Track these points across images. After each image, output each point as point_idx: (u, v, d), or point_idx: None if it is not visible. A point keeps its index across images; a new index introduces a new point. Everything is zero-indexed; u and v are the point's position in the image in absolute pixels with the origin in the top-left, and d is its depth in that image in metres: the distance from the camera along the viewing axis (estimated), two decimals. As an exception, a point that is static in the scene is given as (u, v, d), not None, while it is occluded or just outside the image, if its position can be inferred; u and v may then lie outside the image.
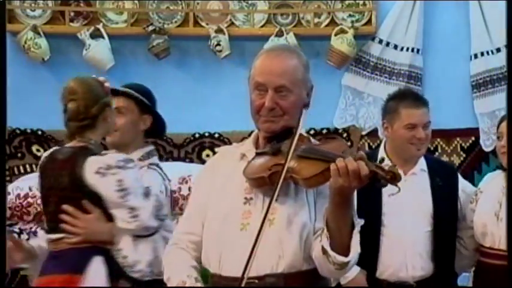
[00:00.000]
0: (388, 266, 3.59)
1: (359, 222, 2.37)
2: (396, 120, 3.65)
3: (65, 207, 3.08)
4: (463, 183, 3.80)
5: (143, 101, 3.40)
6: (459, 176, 3.84)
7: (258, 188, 2.46)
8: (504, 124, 3.59)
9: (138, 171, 3.18)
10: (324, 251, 2.33)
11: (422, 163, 3.71)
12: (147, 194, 3.15)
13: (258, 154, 2.52)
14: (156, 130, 3.47)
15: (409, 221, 3.60)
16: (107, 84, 3.22)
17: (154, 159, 3.44)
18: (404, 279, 3.59)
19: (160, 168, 3.41)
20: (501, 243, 3.50)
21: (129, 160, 3.14)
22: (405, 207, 3.59)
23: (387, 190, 3.53)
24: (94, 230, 3.08)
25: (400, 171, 3.55)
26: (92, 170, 3.05)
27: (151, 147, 3.46)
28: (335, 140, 2.48)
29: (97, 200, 3.08)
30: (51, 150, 3.27)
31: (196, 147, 4.77)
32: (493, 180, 3.67)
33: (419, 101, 3.70)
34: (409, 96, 3.74)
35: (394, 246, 3.58)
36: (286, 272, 2.41)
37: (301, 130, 2.49)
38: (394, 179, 2.26)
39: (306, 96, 2.54)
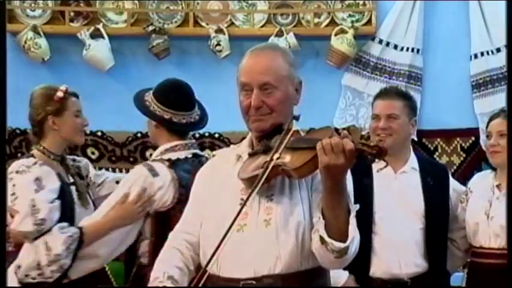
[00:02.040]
0: (381, 264, 3.59)
1: (355, 207, 2.37)
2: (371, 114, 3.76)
3: None
4: (453, 183, 3.82)
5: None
6: (449, 176, 3.86)
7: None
8: (494, 123, 3.63)
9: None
10: (322, 240, 2.31)
11: (413, 162, 3.73)
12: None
13: (250, 155, 2.52)
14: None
15: (400, 218, 3.61)
16: (58, 94, 3.46)
17: (170, 155, 3.49)
18: (398, 276, 3.60)
19: (173, 164, 3.45)
20: (491, 242, 3.52)
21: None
22: (396, 205, 3.62)
23: (378, 186, 3.62)
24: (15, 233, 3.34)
25: (390, 168, 3.64)
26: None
27: (171, 145, 3.52)
28: (322, 129, 2.47)
29: None
30: None
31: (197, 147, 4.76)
32: (483, 180, 3.70)
33: (388, 93, 3.75)
34: (383, 91, 3.84)
35: (386, 244, 3.59)
36: (283, 273, 2.41)
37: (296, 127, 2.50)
38: (381, 153, 2.25)
39: (294, 93, 2.54)
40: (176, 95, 3.54)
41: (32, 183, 3.33)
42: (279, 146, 2.39)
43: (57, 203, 3.35)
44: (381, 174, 3.65)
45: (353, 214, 2.33)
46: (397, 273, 3.60)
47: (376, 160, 2.29)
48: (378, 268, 3.60)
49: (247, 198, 2.39)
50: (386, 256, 3.59)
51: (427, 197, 3.65)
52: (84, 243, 3.30)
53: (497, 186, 3.60)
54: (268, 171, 2.36)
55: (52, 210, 3.32)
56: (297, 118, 2.47)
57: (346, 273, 3.55)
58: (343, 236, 2.29)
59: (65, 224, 3.34)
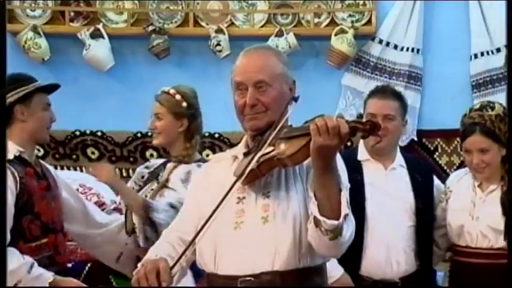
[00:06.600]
0: (373, 263, 3.57)
1: (346, 186, 2.38)
2: (365, 112, 3.68)
3: None
4: (435, 181, 3.80)
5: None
6: (432, 173, 3.86)
7: (251, 183, 2.46)
8: (472, 140, 3.53)
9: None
10: (316, 223, 2.31)
11: (400, 159, 3.72)
12: None
13: (245, 154, 2.53)
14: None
15: (391, 216, 3.59)
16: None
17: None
18: (389, 275, 3.57)
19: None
20: (479, 242, 3.51)
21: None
22: (387, 202, 3.60)
23: (370, 183, 3.60)
24: None
25: (381, 165, 3.64)
26: None
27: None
28: (315, 118, 2.48)
29: None
30: None
31: (196, 147, 4.76)
32: (462, 180, 3.68)
33: (385, 93, 3.69)
34: (379, 89, 3.78)
35: (378, 243, 3.56)
36: (282, 270, 2.41)
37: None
38: (374, 128, 2.27)
39: (288, 92, 2.55)
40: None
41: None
42: (268, 137, 2.40)
43: None
44: (372, 171, 3.64)
45: (344, 192, 2.32)
46: (388, 273, 3.57)
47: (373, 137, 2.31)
48: (369, 267, 3.57)
49: (237, 179, 2.39)
50: (377, 255, 3.56)
51: (417, 194, 3.63)
52: None
53: (479, 186, 3.59)
54: (255, 159, 2.37)
55: None
56: (295, 99, 2.47)
57: (341, 269, 3.51)
58: (335, 215, 2.29)
59: None
